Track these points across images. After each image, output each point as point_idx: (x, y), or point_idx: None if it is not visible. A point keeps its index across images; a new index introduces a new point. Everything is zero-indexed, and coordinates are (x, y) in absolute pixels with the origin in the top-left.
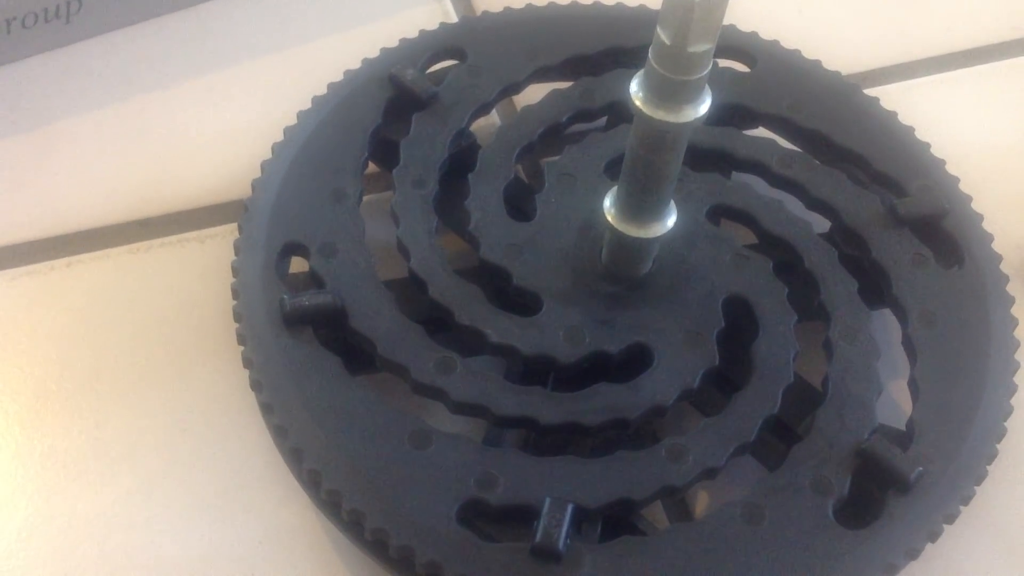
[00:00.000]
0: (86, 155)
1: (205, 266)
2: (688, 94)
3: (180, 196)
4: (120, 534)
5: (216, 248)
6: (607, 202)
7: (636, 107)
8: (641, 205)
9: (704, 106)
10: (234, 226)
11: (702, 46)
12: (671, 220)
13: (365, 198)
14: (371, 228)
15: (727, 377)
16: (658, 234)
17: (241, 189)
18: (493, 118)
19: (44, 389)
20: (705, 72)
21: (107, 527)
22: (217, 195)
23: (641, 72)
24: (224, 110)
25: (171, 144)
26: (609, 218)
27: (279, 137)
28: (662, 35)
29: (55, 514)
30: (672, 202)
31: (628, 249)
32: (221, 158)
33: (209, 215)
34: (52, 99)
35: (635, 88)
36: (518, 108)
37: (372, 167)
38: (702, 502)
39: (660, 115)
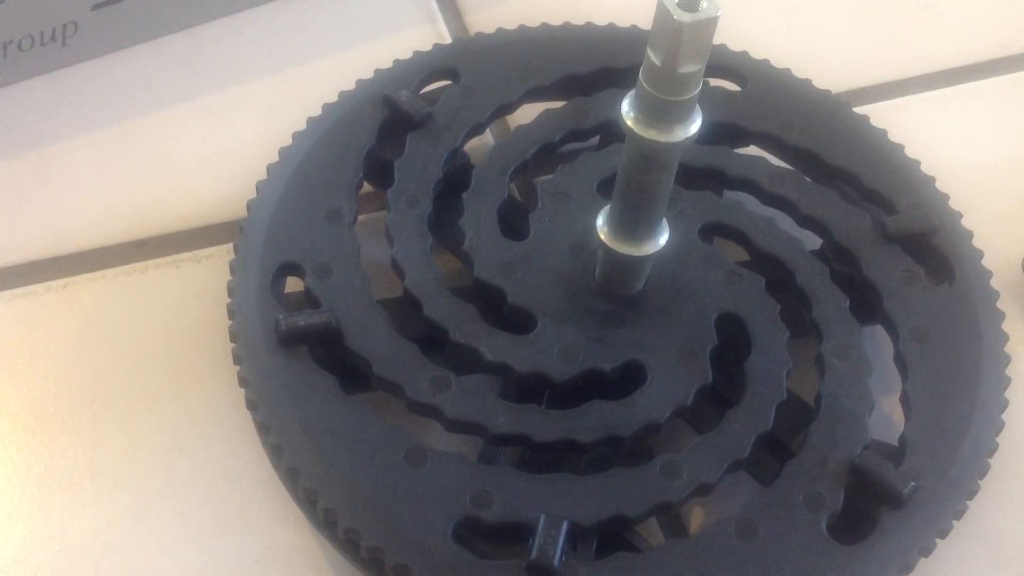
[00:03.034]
0: (82, 176)
1: (201, 286)
2: (679, 114)
3: (176, 217)
4: (117, 554)
5: (212, 268)
6: (600, 220)
7: (627, 127)
8: (634, 223)
9: (695, 126)
10: (230, 246)
11: (692, 67)
12: (663, 238)
13: (360, 218)
14: (366, 248)
15: (720, 394)
16: (650, 252)
17: (237, 209)
18: (486, 138)
19: (41, 410)
20: (695, 92)
21: (104, 547)
22: (213, 215)
23: (632, 92)
24: (219, 131)
25: (167, 165)
26: (602, 236)
27: (274, 158)
28: (652, 56)
29: (52, 534)
30: (664, 220)
31: (621, 267)
32: (216, 179)
33: (205, 235)
34: (49, 121)
35: (626, 108)
36: (511, 128)
37: (367, 187)
38: (696, 518)
39: (651, 135)
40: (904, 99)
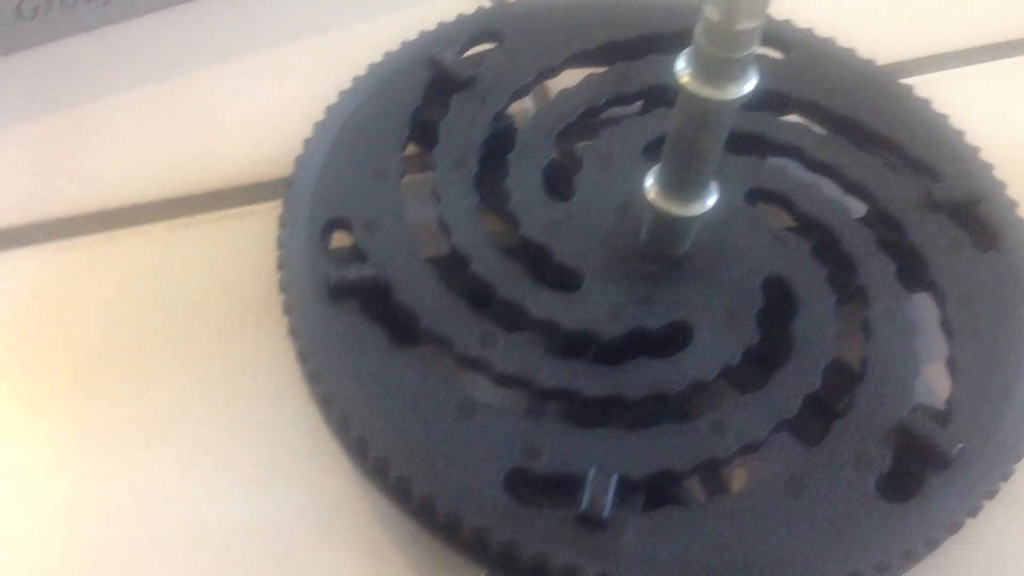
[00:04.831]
0: (126, 133)
1: (245, 242)
2: (734, 71)
3: (219, 175)
4: (162, 503)
5: (255, 225)
6: (649, 181)
7: (682, 84)
8: (683, 183)
9: (750, 84)
10: (272, 204)
11: (750, 23)
12: (712, 199)
13: (403, 179)
14: (409, 209)
15: (763, 356)
16: (699, 212)
17: (279, 169)
18: (527, 103)
19: (85, 361)
20: (752, 49)
21: (149, 496)
22: (255, 174)
23: (688, 49)
24: (264, 91)
25: (211, 124)
26: (651, 196)
27: (320, 117)
28: (710, 12)
29: (97, 482)
30: (713, 182)
31: (669, 227)
32: (260, 138)
33: (248, 193)
34: (93, 78)
35: (682, 65)
36: (551, 96)
37: (410, 149)
38: (738, 481)
39: (706, 92)
40: (947, 72)
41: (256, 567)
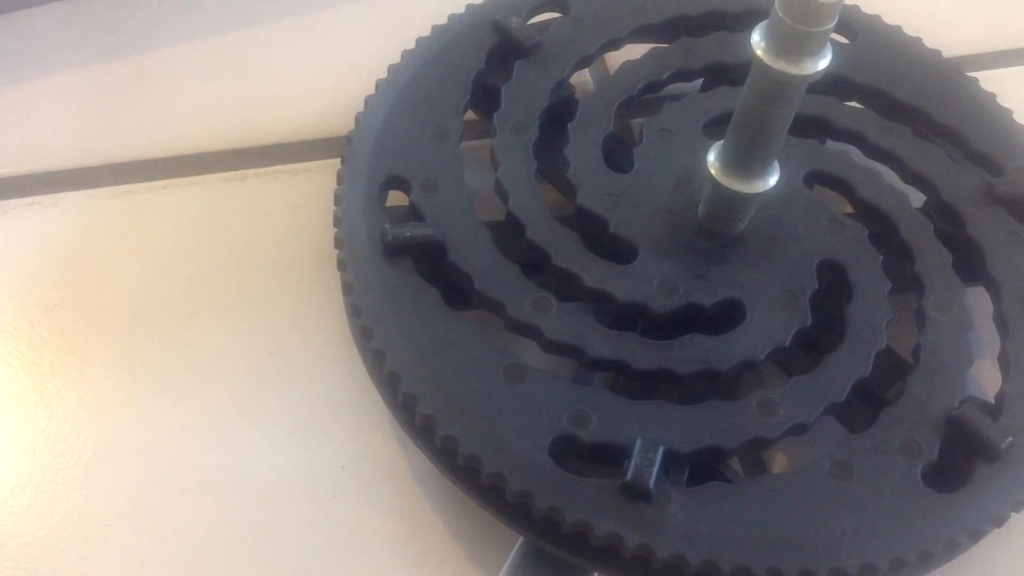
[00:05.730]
0: (187, 83)
1: (299, 198)
2: (811, 46)
3: (279, 129)
4: (205, 449)
5: (312, 181)
6: (711, 156)
7: (757, 57)
8: (747, 159)
9: (825, 60)
10: (329, 162)
11: None
12: (774, 178)
13: (462, 144)
14: (467, 172)
15: (814, 340)
16: (760, 190)
17: (339, 126)
18: (584, 76)
19: (137, 305)
20: (832, 24)
21: (193, 440)
22: (315, 131)
23: (764, 22)
24: (328, 48)
25: (273, 78)
26: (713, 171)
27: (382, 76)
28: None
29: (144, 425)
30: (776, 160)
31: (728, 204)
32: (322, 94)
33: (306, 149)
34: (158, 26)
35: (757, 38)
36: (610, 71)
37: (469, 114)
38: (778, 463)
39: (781, 66)
40: (1013, 68)
41: (294, 519)
